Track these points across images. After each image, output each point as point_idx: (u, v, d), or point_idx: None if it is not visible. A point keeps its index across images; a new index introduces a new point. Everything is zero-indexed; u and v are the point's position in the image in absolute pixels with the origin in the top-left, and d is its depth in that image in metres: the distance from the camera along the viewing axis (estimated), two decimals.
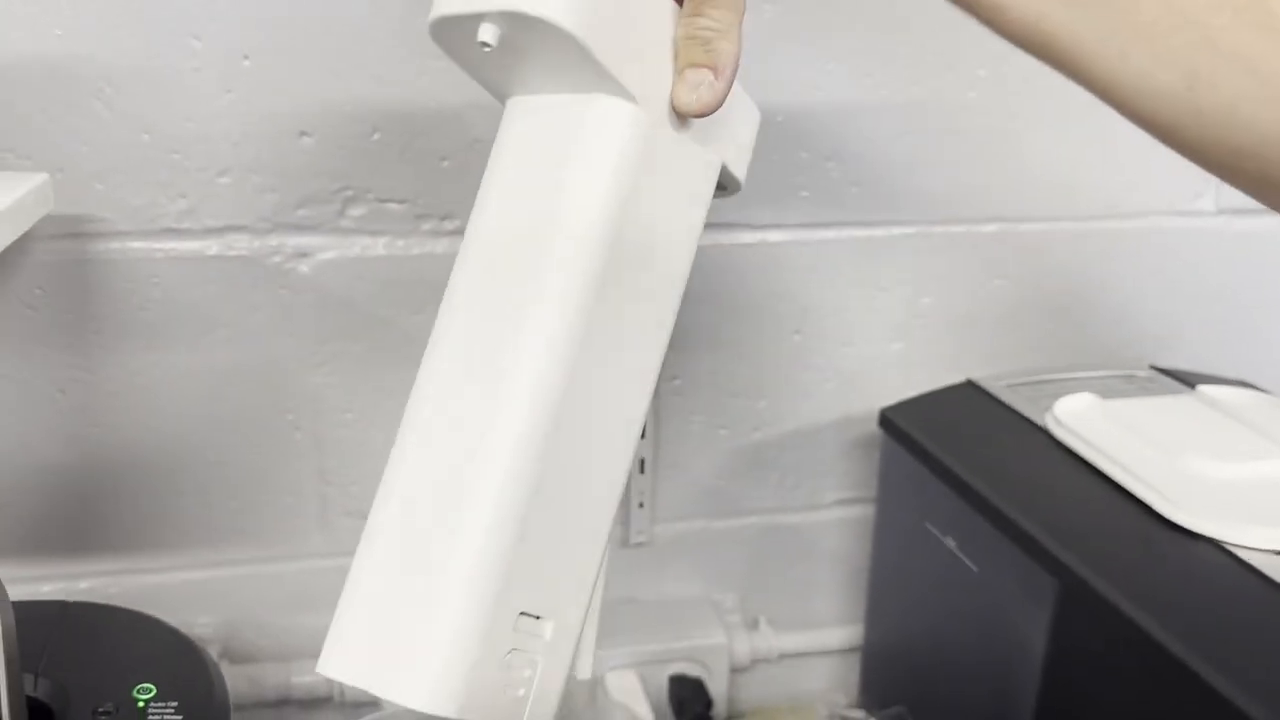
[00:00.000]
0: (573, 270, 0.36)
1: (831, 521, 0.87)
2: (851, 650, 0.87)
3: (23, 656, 0.44)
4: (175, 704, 0.50)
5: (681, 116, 0.37)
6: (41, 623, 0.54)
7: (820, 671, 0.89)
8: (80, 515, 0.75)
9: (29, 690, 0.49)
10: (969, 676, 0.68)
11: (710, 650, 0.82)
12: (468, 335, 0.38)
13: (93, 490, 0.74)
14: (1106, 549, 0.56)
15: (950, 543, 0.66)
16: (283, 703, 0.78)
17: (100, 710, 0.49)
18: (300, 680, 0.78)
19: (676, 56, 0.37)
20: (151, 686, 0.50)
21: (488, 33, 0.35)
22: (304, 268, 0.72)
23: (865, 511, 0.86)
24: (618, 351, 0.39)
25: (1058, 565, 0.55)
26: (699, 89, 0.36)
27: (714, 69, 0.36)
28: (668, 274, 0.40)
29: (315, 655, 0.80)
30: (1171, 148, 0.37)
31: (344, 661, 0.39)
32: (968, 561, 0.64)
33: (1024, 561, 0.58)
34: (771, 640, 0.86)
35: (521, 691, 0.38)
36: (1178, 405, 0.70)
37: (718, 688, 0.83)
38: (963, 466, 0.64)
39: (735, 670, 0.85)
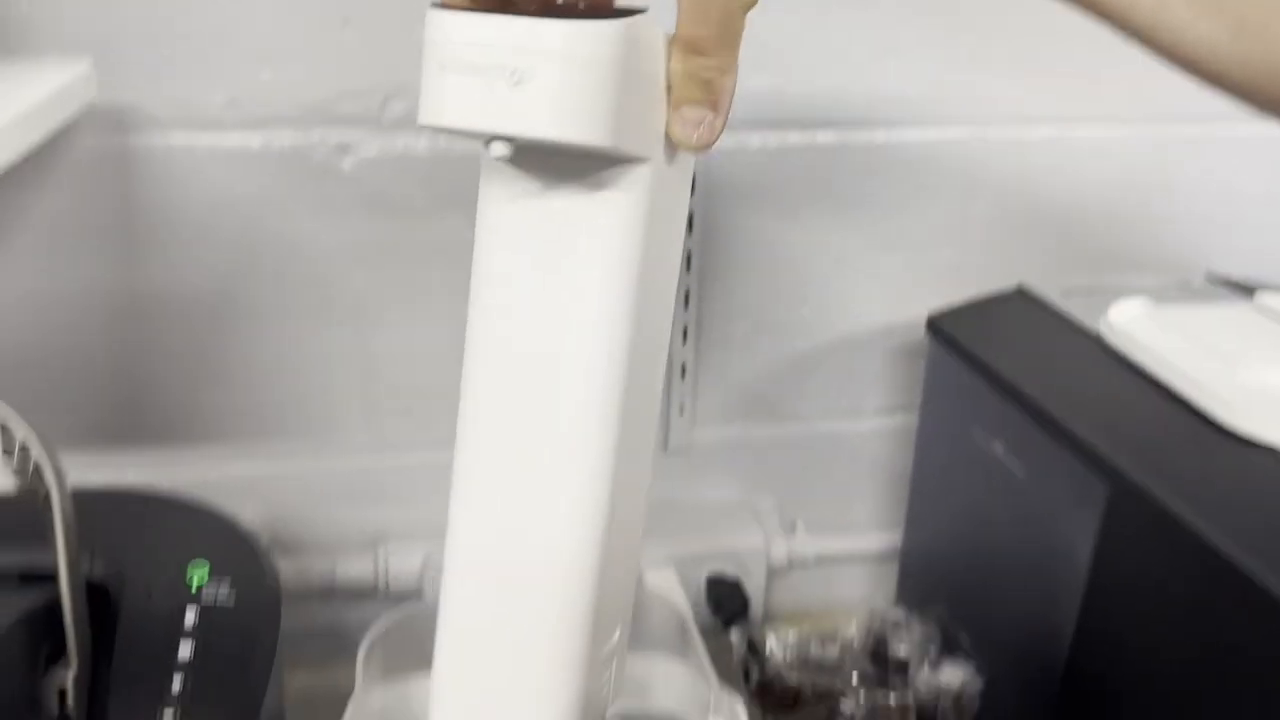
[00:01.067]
0: (612, 347, 0.36)
1: (872, 430, 0.86)
2: (888, 556, 0.88)
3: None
4: (228, 581, 0.51)
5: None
6: (94, 508, 0.55)
7: (856, 577, 0.89)
8: (126, 409, 0.76)
9: (84, 571, 0.50)
10: (1010, 581, 0.68)
11: (748, 552, 0.82)
12: (505, 412, 0.38)
13: (138, 384, 0.75)
14: (1159, 453, 0.55)
15: (997, 447, 0.65)
16: (329, 594, 0.80)
17: (154, 590, 0.49)
18: (346, 572, 0.79)
19: (671, 89, 0.34)
20: (205, 562, 0.51)
21: (501, 150, 0.33)
22: (346, 164, 0.71)
23: (907, 420, 0.85)
24: (650, 369, 0.39)
25: (1108, 468, 0.55)
26: (699, 127, 0.35)
27: (713, 107, 0.34)
28: (674, 266, 0.39)
29: (360, 547, 0.82)
30: (1215, 91, 0.36)
31: None
32: (1014, 466, 0.64)
33: (1073, 465, 0.57)
34: (808, 544, 0.86)
35: (605, 691, 0.41)
36: (1234, 313, 0.68)
37: (755, 590, 0.84)
38: (1012, 371, 0.63)
39: (772, 573, 0.86)
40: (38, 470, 0.42)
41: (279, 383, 0.76)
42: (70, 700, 0.43)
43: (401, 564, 0.79)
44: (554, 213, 0.36)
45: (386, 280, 0.74)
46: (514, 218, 0.36)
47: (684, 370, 0.81)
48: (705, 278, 0.79)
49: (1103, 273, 0.80)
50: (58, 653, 0.44)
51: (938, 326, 0.72)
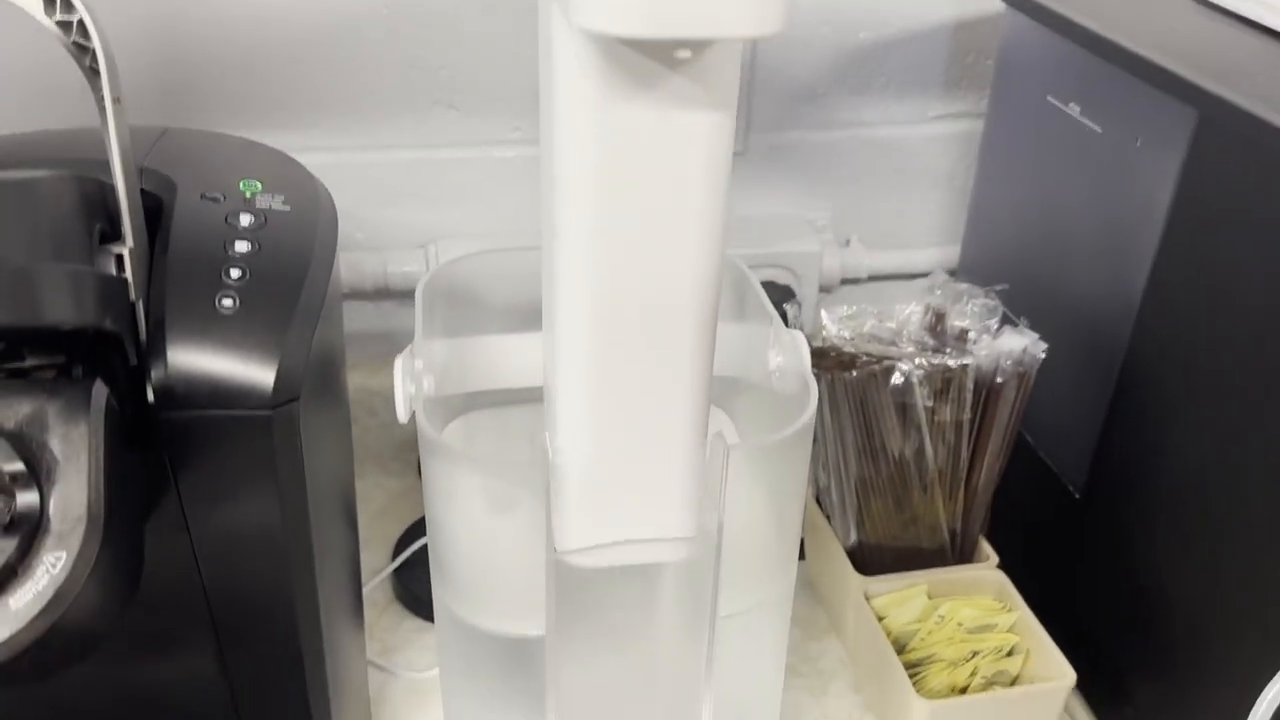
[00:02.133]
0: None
1: (935, 137, 0.83)
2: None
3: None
4: (282, 197, 0.50)
5: None
6: (140, 139, 0.54)
7: (910, 295, 0.88)
8: (172, 92, 0.74)
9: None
10: (1078, 259, 0.66)
11: (801, 258, 0.81)
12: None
13: (182, 69, 0.73)
14: (1252, 78, 0.52)
15: (1073, 108, 0.62)
16: (382, 293, 0.80)
17: (207, 195, 0.49)
18: (397, 270, 0.78)
19: None
20: (258, 183, 0.50)
21: (684, 54, 0.33)
22: None
23: (972, 127, 0.82)
24: None
25: (1196, 93, 0.52)
26: None
27: None
28: None
29: (409, 246, 0.81)
30: None
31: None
32: (1092, 124, 0.61)
33: (1158, 100, 0.54)
34: (863, 257, 0.84)
35: None
36: None
37: (807, 304, 0.82)
38: (1096, 23, 0.60)
39: (824, 287, 0.85)
40: (82, 26, 0.40)
41: (321, 73, 0.74)
42: (128, 271, 0.43)
43: None
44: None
45: None
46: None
47: (740, 68, 0.78)
48: None
49: None
50: (111, 236, 0.44)
51: None
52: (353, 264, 0.78)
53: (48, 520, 0.36)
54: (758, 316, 0.57)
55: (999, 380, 0.63)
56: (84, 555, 0.36)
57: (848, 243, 0.85)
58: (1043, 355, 0.62)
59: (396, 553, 0.78)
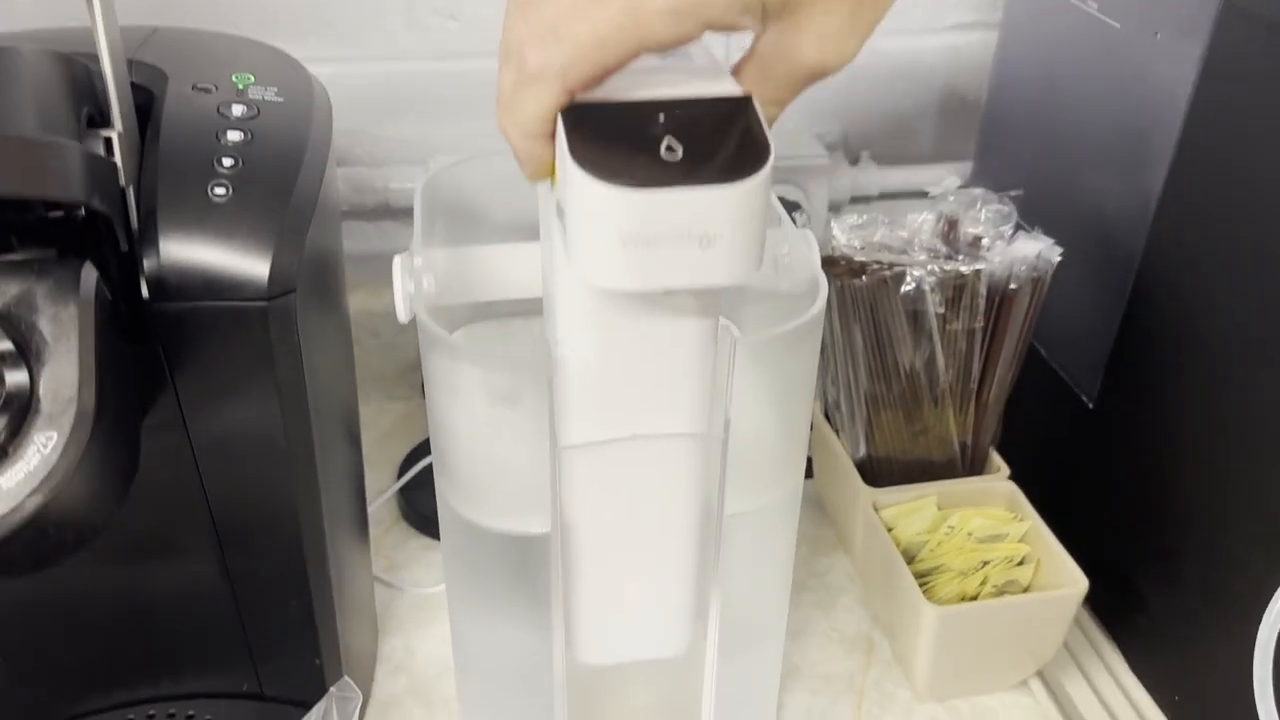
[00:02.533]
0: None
1: (948, 48, 0.81)
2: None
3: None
4: (275, 89, 0.48)
5: None
6: (135, 36, 0.52)
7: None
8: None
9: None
10: (1093, 167, 0.64)
11: (810, 171, 0.79)
12: None
13: None
14: None
15: (1091, 5, 0.60)
16: (382, 211, 0.78)
17: (199, 86, 0.47)
18: (398, 187, 0.77)
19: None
20: (250, 75, 0.49)
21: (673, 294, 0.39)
22: None
23: (986, 39, 0.80)
24: None
25: None
26: None
27: None
28: None
29: (410, 162, 0.79)
30: None
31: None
32: (1110, 20, 0.59)
33: None
34: (873, 174, 0.83)
35: None
36: None
37: (816, 221, 0.81)
38: None
39: (833, 208, 0.83)
40: None
41: None
42: (117, 156, 0.42)
43: None
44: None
45: None
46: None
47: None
48: None
49: None
50: (100, 122, 0.43)
51: None
52: (353, 180, 0.77)
53: (38, 401, 0.35)
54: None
55: (1013, 287, 0.61)
56: (75, 437, 0.36)
57: (858, 160, 0.83)
58: (1058, 260, 0.61)
59: (402, 473, 0.77)
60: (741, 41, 0.38)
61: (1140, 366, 0.61)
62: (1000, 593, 0.61)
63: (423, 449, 0.78)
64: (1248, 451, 0.53)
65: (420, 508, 0.74)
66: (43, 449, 0.35)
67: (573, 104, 0.35)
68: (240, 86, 0.48)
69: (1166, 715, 0.61)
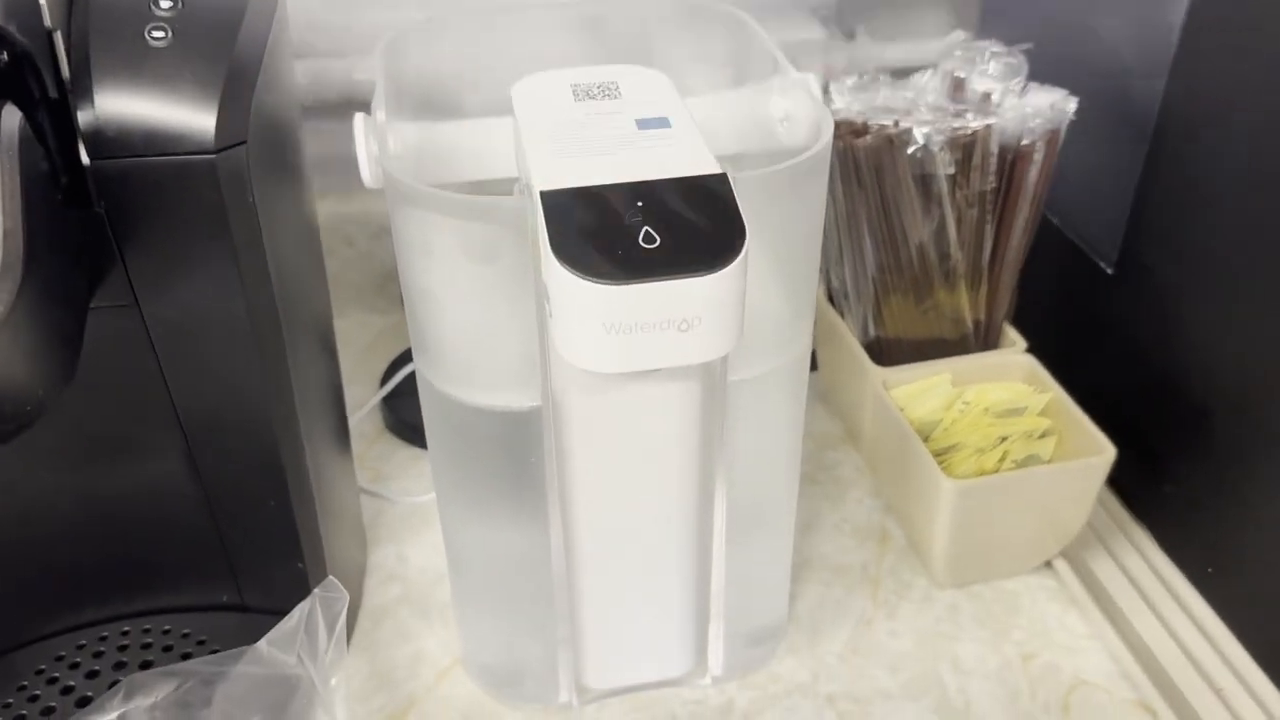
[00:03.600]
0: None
1: None
2: None
3: None
4: None
5: None
6: None
7: None
8: None
9: None
10: (1106, 19, 0.60)
11: (803, 49, 0.74)
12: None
13: None
14: None
15: None
16: (345, 105, 0.74)
17: None
18: (362, 78, 0.72)
19: None
20: None
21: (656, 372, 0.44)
22: None
23: None
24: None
25: None
26: None
27: None
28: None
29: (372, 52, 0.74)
30: None
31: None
32: None
33: None
34: (871, 50, 0.78)
35: None
36: None
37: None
38: None
39: (828, 91, 0.78)
40: None
41: None
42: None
43: None
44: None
45: None
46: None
47: None
48: None
49: None
50: None
51: None
52: (314, 73, 0.72)
53: None
54: (760, 73, 0.52)
55: (1025, 142, 0.57)
56: (2, 288, 0.32)
57: (854, 34, 0.79)
58: (1073, 110, 0.57)
59: (383, 383, 0.73)
60: None
61: (1162, 226, 0.57)
62: (1021, 469, 0.58)
63: (405, 359, 0.75)
64: (1277, 310, 0.50)
65: (405, 416, 0.70)
66: None
67: (551, 191, 0.37)
68: None
69: (1199, 589, 0.58)
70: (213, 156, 0.39)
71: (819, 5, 0.77)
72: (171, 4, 0.40)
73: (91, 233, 0.40)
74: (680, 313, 0.36)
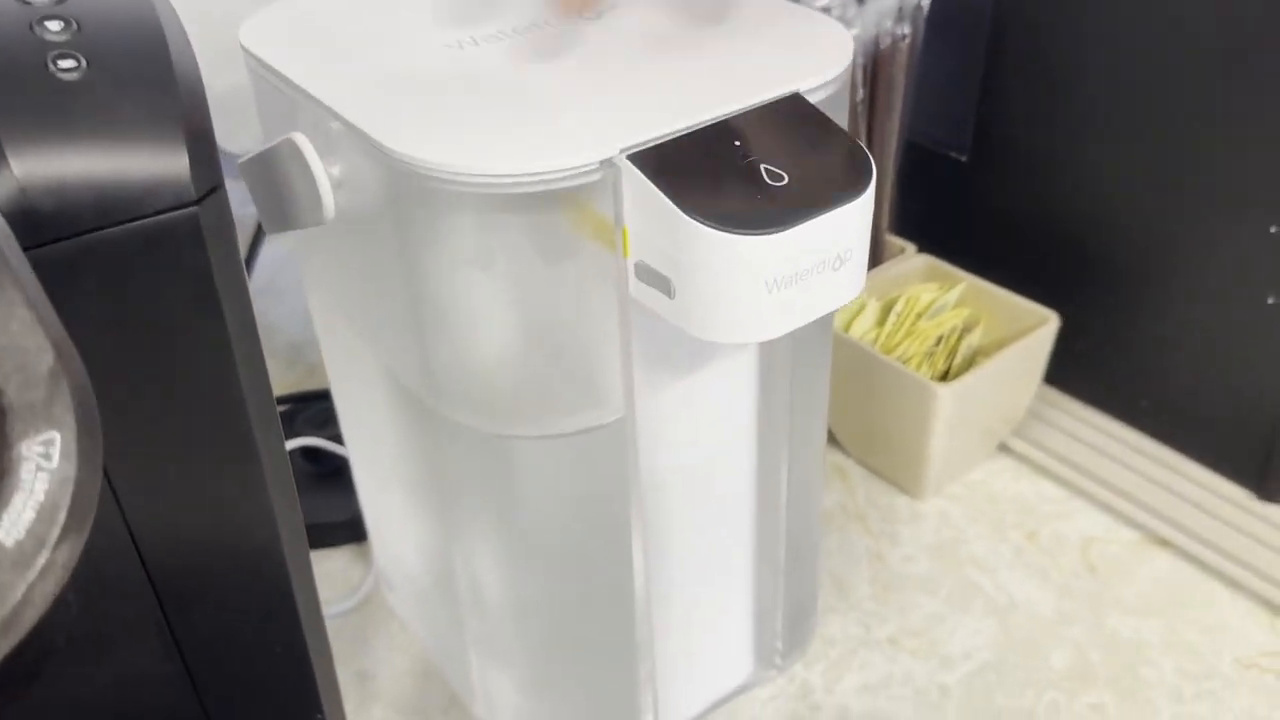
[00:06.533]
0: None
1: None
2: None
3: None
4: None
5: None
6: None
7: None
8: None
9: None
10: None
11: None
12: None
13: None
14: None
15: None
16: None
17: None
18: None
19: None
20: None
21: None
22: None
23: None
24: None
25: None
26: None
27: None
28: None
29: None
30: None
31: None
32: None
33: None
34: None
35: None
36: None
37: None
38: None
39: None
40: None
41: None
42: None
43: None
44: None
45: None
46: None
47: None
48: None
49: None
50: None
51: None
52: None
53: None
54: None
55: (884, 46, 0.58)
56: (85, 423, 0.21)
57: None
58: (926, 2, 0.58)
59: None
60: None
61: (1007, 113, 0.60)
62: (970, 362, 0.59)
63: None
64: (1119, 145, 0.54)
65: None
66: (45, 461, 0.20)
67: (631, 149, 0.31)
68: None
69: (1138, 427, 0.62)
70: (194, 209, 0.29)
71: None
72: (62, 25, 0.29)
73: None
74: (836, 249, 0.32)
